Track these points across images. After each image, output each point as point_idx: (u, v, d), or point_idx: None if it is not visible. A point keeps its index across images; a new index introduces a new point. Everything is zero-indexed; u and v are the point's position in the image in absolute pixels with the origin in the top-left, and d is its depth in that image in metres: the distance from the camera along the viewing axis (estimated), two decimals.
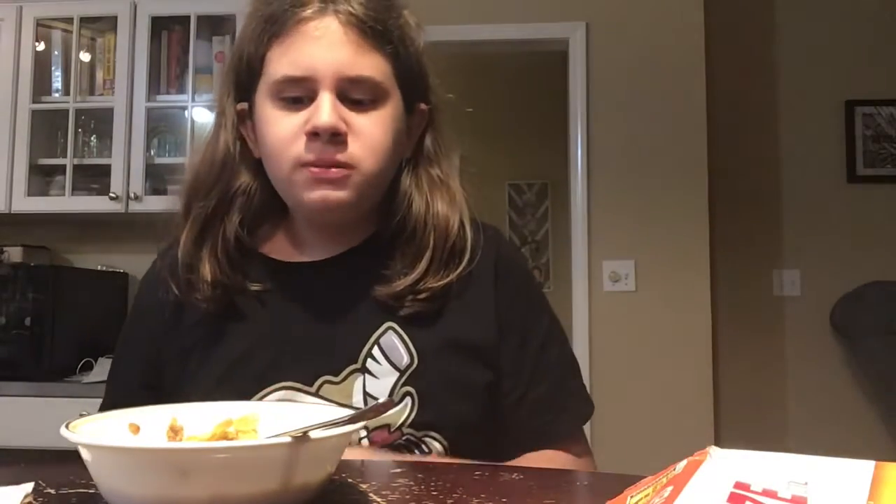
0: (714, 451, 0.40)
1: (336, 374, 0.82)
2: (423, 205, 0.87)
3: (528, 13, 2.96)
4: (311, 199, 0.81)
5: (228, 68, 0.89)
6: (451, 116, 0.94)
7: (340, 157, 0.80)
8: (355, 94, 0.81)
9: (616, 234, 2.89)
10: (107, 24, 2.88)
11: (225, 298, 0.86)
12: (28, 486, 0.53)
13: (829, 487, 0.36)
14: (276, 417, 0.57)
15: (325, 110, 0.78)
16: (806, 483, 0.36)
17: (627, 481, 0.46)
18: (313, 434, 0.47)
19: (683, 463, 0.40)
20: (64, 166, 2.82)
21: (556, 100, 3.31)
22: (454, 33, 2.90)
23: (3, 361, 2.51)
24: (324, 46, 0.79)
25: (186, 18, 2.82)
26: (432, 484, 0.57)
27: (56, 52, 2.93)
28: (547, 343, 0.90)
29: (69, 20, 2.87)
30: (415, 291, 0.84)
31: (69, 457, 0.57)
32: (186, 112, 2.83)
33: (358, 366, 0.82)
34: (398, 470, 0.61)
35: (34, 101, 2.83)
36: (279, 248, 0.92)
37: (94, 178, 2.86)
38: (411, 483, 0.57)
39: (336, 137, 0.79)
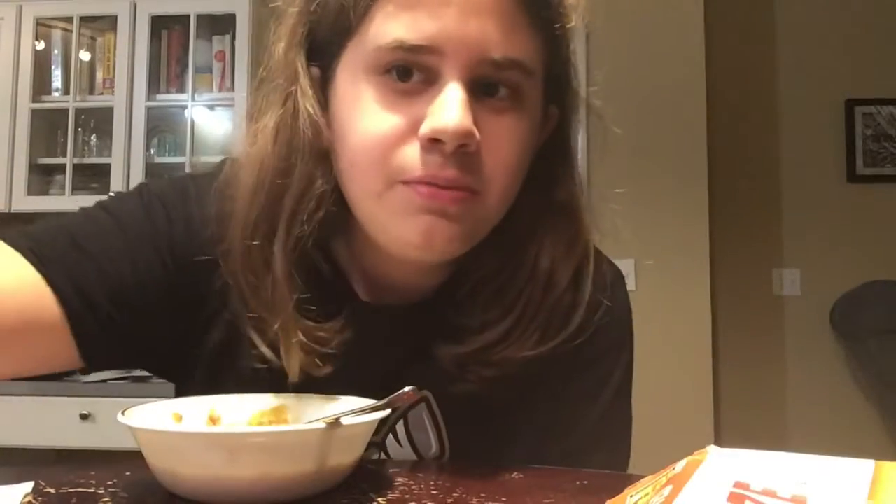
0: (714, 451, 0.40)
1: None
2: (532, 245, 0.64)
3: None
4: (410, 230, 0.56)
5: (300, 15, 0.60)
6: None
7: (467, 178, 0.55)
8: (495, 84, 0.56)
9: (616, 234, 2.88)
10: (107, 23, 2.88)
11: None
12: (28, 486, 0.53)
13: (828, 487, 0.35)
14: (303, 409, 0.61)
15: (456, 107, 0.53)
16: (806, 483, 0.36)
17: (627, 481, 0.46)
18: (344, 420, 0.51)
19: (683, 462, 0.40)
20: (64, 166, 2.82)
21: None
22: None
23: None
24: (463, 10, 0.54)
25: (186, 18, 2.81)
26: (432, 483, 0.57)
27: (56, 52, 2.93)
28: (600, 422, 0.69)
29: (69, 19, 2.87)
30: (483, 362, 0.61)
31: (69, 456, 0.57)
32: (186, 112, 2.83)
33: (377, 439, 0.66)
34: (398, 469, 0.61)
35: (34, 101, 2.83)
36: (358, 278, 0.67)
37: (94, 178, 2.87)
38: (411, 482, 0.57)
39: (464, 148, 0.54)
